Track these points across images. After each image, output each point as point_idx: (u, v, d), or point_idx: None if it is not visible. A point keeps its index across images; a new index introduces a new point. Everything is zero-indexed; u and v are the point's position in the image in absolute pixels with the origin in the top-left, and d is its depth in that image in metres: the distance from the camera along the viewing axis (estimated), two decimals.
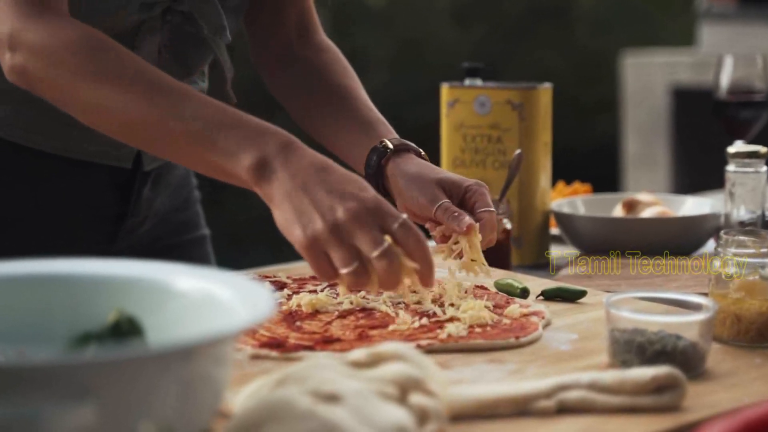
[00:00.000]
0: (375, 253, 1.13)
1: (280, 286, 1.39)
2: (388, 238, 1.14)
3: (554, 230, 1.79)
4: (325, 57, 1.56)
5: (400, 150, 1.39)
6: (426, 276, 1.17)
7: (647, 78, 4.75)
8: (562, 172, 2.27)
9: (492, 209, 1.32)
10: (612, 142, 5.29)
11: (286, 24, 1.57)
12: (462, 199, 1.34)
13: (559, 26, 6.86)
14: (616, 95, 5.11)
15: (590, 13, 6.90)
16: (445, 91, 1.72)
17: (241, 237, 4.40)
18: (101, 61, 1.23)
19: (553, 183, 1.94)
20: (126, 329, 0.92)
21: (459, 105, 1.71)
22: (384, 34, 6.59)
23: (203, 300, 0.91)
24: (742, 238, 1.22)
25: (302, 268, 1.51)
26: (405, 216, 1.16)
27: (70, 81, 1.23)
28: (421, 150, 1.41)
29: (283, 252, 1.43)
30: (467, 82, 1.72)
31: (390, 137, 1.41)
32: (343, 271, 1.13)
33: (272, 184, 1.17)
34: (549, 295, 1.37)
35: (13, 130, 1.40)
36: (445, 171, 1.37)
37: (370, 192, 1.16)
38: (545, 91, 1.70)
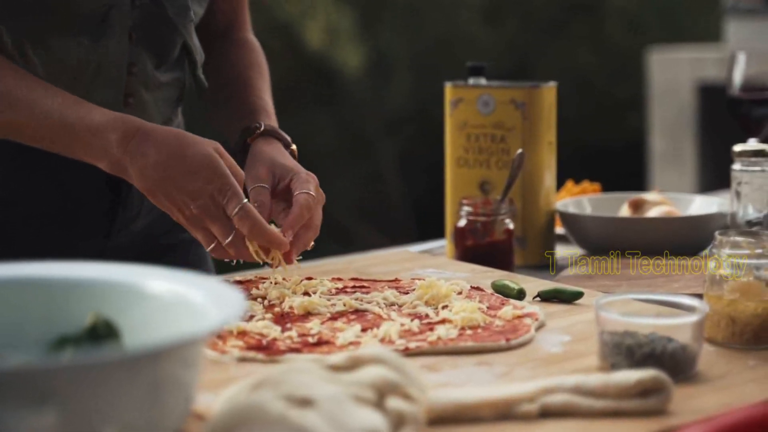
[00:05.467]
0: (225, 242, 1.30)
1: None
2: None
3: (560, 230, 1.78)
4: (237, 51, 1.61)
5: (267, 134, 1.45)
6: (277, 248, 1.32)
7: (674, 74, 4.71)
8: (592, 170, 2.26)
9: (309, 191, 1.37)
10: (641, 140, 5.26)
11: (216, 16, 1.60)
12: (288, 185, 1.39)
13: (590, 22, 6.82)
14: (644, 92, 5.07)
15: (621, 9, 6.86)
16: (449, 90, 1.71)
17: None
18: None
19: (562, 182, 1.93)
20: (103, 332, 0.92)
21: (462, 104, 1.70)
22: (413, 32, 6.58)
23: (176, 303, 0.91)
24: (736, 238, 1.20)
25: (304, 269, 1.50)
26: (245, 201, 1.29)
27: None
28: (290, 141, 1.47)
29: None
30: (471, 81, 1.71)
31: (267, 122, 1.47)
32: (207, 249, 1.32)
33: (132, 180, 1.29)
34: (546, 297, 1.35)
35: None
36: (289, 160, 1.42)
37: (216, 180, 1.28)
38: (549, 90, 1.69)
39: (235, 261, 1.35)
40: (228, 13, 1.62)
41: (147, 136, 1.28)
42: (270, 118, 1.50)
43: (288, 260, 1.35)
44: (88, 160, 1.31)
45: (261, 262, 1.35)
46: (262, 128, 1.46)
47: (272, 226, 1.33)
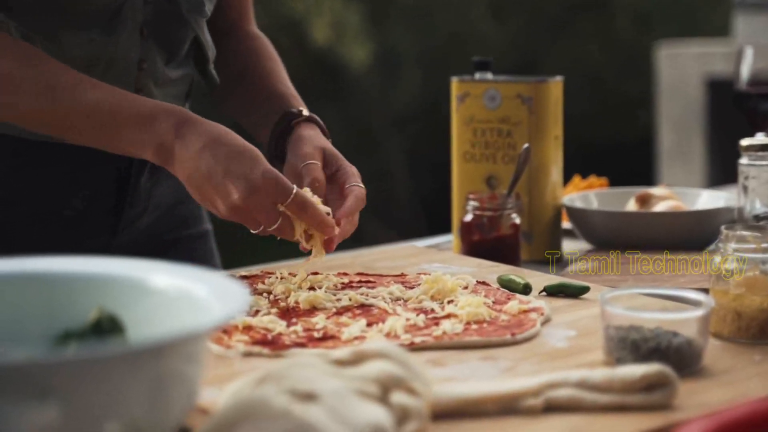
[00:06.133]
0: (270, 229, 1.31)
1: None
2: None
3: (567, 225, 1.77)
4: (250, 43, 1.62)
5: (311, 120, 1.47)
6: (325, 233, 1.34)
7: (682, 69, 4.70)
8: (599, 166, 2.25)
9: (359, 185, 1.39)
10: (650, 135, 5.25)
11: (224, 11, 1.60)
12: (334, 175, 1.41)
13: (599, 18, 6.81)
14: (652, 87, 5.06)
15: (629, 4, 6.84)
16: (455, 85, 1.71)
17: (248, 234, 4.44)
18: (2, 65, 1.30)
19: (570, 178, 1.93)
20: (107, 327, 0.92)
21: (469, 99, 1.69)
22: (421, 28, 6.57)
23: (180, 297, 0.90)
24: (742, 233, 1.19)
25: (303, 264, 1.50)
26: (295, 189, 1.29)
27: None
28: (328, 132, 1.49)
29: (290, 249, 1.43)
30: (477, 75, 1.71)
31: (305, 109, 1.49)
32: (254, 232, 1.32)
33: (174, 167, 1.29)
34: (552, 291, 1.35)
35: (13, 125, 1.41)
36: (335, 149, 1.44)
37: (259, 169, 1.27)
38: (555, 84, 1.68)
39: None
40: (235, 8, 1.62)
41: (196, 124, 1.29)
42: (303, 106, 1.51)
43: (329, 248, 1.36)
44: (130, 149, 1.31)
45: (306, 249, 1.36)
46: (307, 113, 1.47)
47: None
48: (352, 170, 1.41)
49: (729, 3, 4.87)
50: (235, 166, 1.27)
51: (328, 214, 1.34)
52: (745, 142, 1.64)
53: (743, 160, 1.64)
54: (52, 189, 1.45)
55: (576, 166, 1.98)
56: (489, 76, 1.71)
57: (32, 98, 1.30)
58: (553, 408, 0.98)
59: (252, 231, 1.33)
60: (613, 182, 1.99)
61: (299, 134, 1.44)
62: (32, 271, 0.94)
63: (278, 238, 1.35)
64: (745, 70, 1.84)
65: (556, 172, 1.69)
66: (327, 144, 1.44)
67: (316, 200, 1.34)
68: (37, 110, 1.31)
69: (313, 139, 1.43)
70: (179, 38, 1.47)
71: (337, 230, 1.34)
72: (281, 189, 1.29)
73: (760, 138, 1.67)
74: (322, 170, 1.40)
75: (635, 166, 5.55)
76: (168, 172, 1.53)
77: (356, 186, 1.38)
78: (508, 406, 0.98)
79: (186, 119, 1.29)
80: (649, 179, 4.88)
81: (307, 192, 1.34)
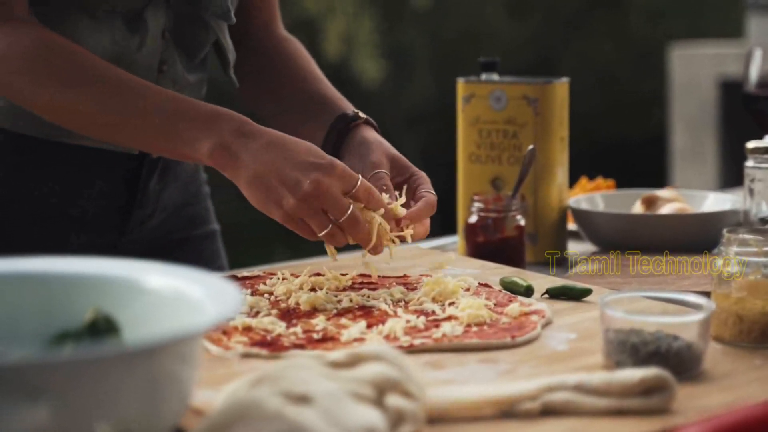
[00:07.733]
0: (342, 219, 1.28)
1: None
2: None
3: (573, 226, 1.77)
4: (285, 45, 1.61)
5: (369, 123, 1.48)
6: (389, 220, 1.33)
7: (695, 70, 4.68)
8: (611, 166, 2.25)
9: (433, 192, 1.39)
10: (662, 136, 5.24)
11: (251, 13, 1.60)
12: (407, 181, 1.41)
13: (613, 17, 6.79)
14: (665, 88, 5.05)
15: (644, 4, 6.83)
16: (461, 86, 1.70)
17: (253, 234, 4.43)
18: (58, 65, 1.30)
19: (576, 178, 1.92)
20: (103, 328, 0.92)
21: (475, 100, 1.69)
22: (436, 26, 6.56)
23: (174, 298, 0.91)
24: (745, 236, 1.19)
25: (305, 265, 1.49)
26: (360, 176, 1.30)
27: (30, 87, 1.31)
28: (380, 131, 1.49)
29: (293, 250, 1.43)
30: (483, 76, 1.70)
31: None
32: (320, 234, 1.29)
33: (238, 168, 1.27)
34: (554, 294, 1.34)
35: (27, 122, 1.41)
36: (402, 156, 1.44)
37: (326, 158, 1.28)
38: (561, 86, 1.68)
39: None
40: (265, 10, 1.62)
41: (257, 128, 1.30)
42: (351, 108, 1.51)
43: (376, 252, 1.35)
44: (184, 149, 1.29)
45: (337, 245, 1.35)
46: (364, 116, 1.48)
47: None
48: (424, 177, 1.41)
49: (742, 4, 4.86)
50: (302, 158, 1.27)
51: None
52: (751, 144, 1.63)
53: (749, 163, 1.63)
54: (57, 188, 1.45)
55: (588, 165, 1.97)
56: (495, 77, 1.70)
57: (95, 98, 1.30)
58: (550, 412, 0.98)
59: (319, 233, 1.29)
60: (625, 181, 1.98)
61: (363, 137, 1.44)
62: (29, 271, 0.94)
63: (331, 245, 1.34)
64: (754, 72, 1.83)
65: (561, 173, 1.69)
66: (393, 150, 1.43)
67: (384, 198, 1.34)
68: (97, 111, 1.30)
69: (380, 145, 1.43)
70: (200, 42, 1.47)
71: (386, 233, 1.34)
72: (349, 175, 1.28)
73: (767, 141, 1.66)
74: (392, 179, 1.40)
75: (647, 165, 5.54)
76: (176, 173, 1.54)
77: (428, 192, 1.38)
78: (505, 410, 0.98)
79: (247, 122, 1.29)
80: (661, 179, 4.87)
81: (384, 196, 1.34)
